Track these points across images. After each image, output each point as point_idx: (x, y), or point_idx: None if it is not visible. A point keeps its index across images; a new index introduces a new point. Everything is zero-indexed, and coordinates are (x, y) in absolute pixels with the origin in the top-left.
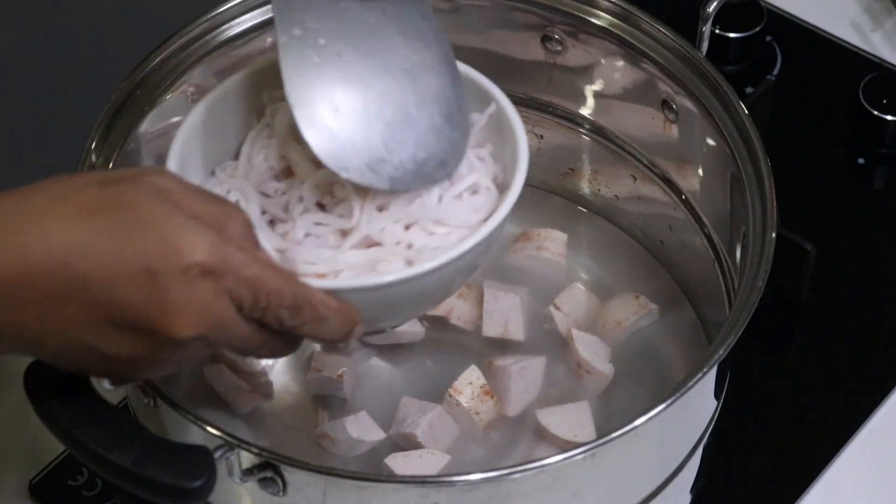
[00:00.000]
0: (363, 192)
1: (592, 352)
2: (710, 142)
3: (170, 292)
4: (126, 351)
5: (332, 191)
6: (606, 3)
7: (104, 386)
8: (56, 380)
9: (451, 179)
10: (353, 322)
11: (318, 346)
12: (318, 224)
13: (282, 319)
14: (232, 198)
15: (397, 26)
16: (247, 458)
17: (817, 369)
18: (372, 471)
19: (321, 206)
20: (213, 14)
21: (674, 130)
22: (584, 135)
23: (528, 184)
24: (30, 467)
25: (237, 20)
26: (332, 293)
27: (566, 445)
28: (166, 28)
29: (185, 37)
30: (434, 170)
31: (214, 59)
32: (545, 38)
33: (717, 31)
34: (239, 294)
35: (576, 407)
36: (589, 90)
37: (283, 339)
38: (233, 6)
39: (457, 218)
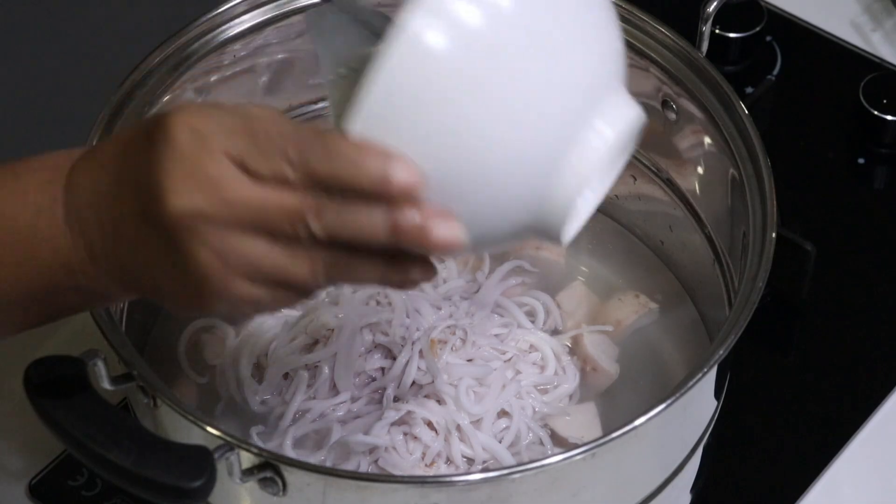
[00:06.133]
0: None
1: (600, 350)
2: (710, 142)
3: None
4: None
5: None
6: None
7: (104, 386)
8: (56, 379)
9: None
10: (387, 158)
11: None
12: None
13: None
14: None
15: None
16: (247, 459)
17: (817, 369)
18: None
19: None
20: (214, 14)
21: (674, 130)
22: None
23: None
24: (29, 467)
25: (237, 20)
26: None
27: (574, 447)
28: (167, 27)
29: (185, 36)
30: None
31: (214, 58)
32: None
33: (717, 31)
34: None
35: (583, 408)
36: None
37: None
38: (232, 6)
39: None
